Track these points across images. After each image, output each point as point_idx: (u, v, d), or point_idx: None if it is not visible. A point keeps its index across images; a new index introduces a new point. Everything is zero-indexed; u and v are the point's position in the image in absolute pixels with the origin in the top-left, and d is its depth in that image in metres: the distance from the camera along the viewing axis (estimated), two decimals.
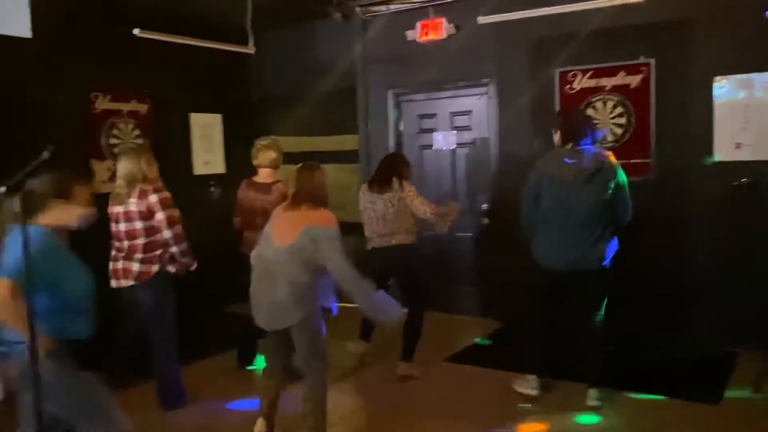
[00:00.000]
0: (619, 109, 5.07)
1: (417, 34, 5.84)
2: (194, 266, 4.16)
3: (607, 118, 5.13)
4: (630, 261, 5.03)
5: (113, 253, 4.07)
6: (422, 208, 4.41)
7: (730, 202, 4.71)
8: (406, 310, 4.09)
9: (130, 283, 3.96)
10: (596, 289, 3.91)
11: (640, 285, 5.05)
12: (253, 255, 3.45)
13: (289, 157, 6.78)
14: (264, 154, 4.53)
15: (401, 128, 6.31)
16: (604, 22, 4.90)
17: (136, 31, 4.81)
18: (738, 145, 4.68)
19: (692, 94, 4.82)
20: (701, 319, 4.87)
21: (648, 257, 5.02)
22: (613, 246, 3.87)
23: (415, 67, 6.03)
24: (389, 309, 3.37)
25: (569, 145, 3.87)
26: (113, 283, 4.04)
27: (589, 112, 5.18)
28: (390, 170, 4.52)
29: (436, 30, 5.75)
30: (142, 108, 5.95)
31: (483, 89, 5.76)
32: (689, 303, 4.91)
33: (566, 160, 3.83)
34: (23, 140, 4.67)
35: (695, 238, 4.89)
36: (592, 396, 3.90)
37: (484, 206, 5.79)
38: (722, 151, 4.72)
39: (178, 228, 3.98)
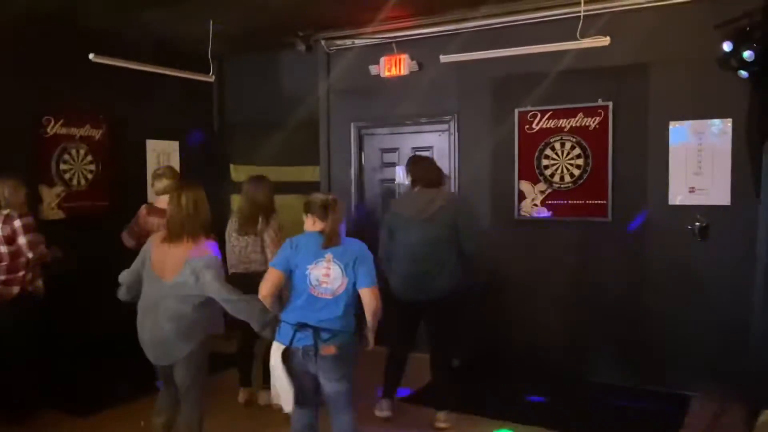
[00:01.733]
0: (576, 151, 5.12)
1: (381, 69, 5.85)
2: (55, 255, 4.47)
3: (565, 159, 5.17)
4: (585, 299, 5.10)
5: None
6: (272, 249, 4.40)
7: (684, 244, 4.76)
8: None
9: None
10: (443, 316, 4.29)
11: (597, 323, 5.06)
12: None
13: None
14: (159, 182, 4.73)
15: (363, 161, 6.28)
16: (564, 64, 4.97)
17: (91, 56, 4.71)
18: (692, 189, 4.76)
19: (648, 138, 4.90)
20: (656, 360, 4.88)
21: (604, 297, 5.04)
22: (457, 277, 4.24)
23: (378, 101, 6.03)
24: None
25: (417, 188, 4.33)
26: None
27: (548, 152, 5.22)
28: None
29: (399, 66, 5.77)
30: (97, 133, 5.79)
31: (444, 126, 5.78)
32: (645, 344, 4.92)
33: (412, 200, 4.32)
34: None
35: (650, 279, 4.92)
36: (441, 418, 4.24)
37: None
38: (677, 195, 4.80)
39: (41, 248, 4.32)
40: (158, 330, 3.18)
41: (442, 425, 4.23)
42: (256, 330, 3.24)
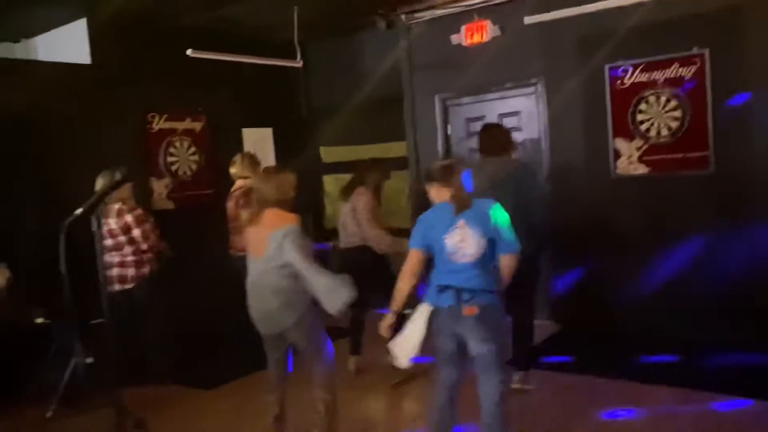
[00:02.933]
0: (673, 103, 4.95)
1: (462, 37, 5.83)
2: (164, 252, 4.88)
3: (661, 113, 5.01)
4: (689, 256, 4.93)
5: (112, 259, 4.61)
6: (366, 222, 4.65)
7: None
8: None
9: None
10: (519, 283, 4.07)
11: (704, 282, 4.90)
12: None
13: (338, 167, 6.93)
14: (230, 169, 5.10)
15: (449, 132, 6.31)
16: (654, 14, 4.79)
17: (189, 52, 4.97)
18: None
19: (750, 83, 4.66)
20: None
21: (709, 253, 4.86)
22: (533, 241, 4.04)
23: (461, 70, 6.01)
24: (339, 293, 3.26)
25: (485, 156, 4.31)
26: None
27: (642, 107, 5.07)
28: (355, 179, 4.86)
29: (481, 32, 5.73)
30: (197, 126, 6.13)
31: (531, 89, 5.71)
32: (762, 302, 4.69)
33: (478, 170, 4.11)
34: (86, 162, 4.92)
35: (758, 233, 4.70)
36: (518, 379, 4.29)
37: None
38: None
39: (151, 239, 4.69)
40: (265, 303, 3.36)
41: (516, 386, 4.25)
42: (329, 311, 3.25)
